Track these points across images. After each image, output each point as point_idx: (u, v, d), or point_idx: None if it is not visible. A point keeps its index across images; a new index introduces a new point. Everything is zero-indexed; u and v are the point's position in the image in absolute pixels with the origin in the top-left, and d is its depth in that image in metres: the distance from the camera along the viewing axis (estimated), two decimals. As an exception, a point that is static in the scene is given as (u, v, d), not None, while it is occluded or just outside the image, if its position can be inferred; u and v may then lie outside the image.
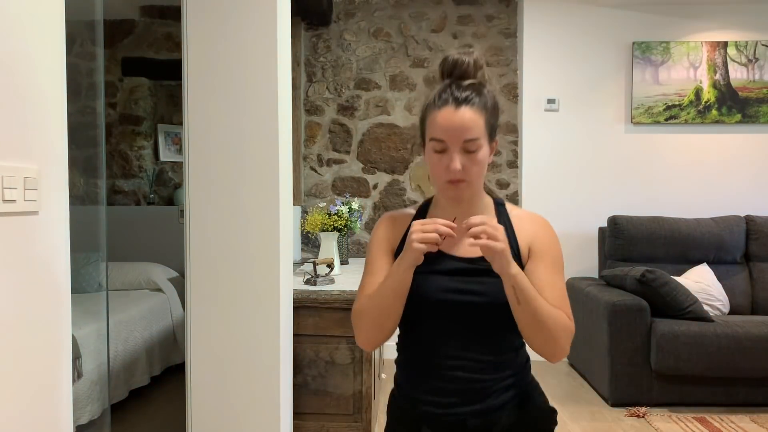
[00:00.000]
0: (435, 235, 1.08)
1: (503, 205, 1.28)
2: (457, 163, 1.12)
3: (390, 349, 4.16)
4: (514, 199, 4.24)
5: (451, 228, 1.09)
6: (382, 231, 1.27)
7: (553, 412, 1.28)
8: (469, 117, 1.13)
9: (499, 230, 1.08)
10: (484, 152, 1.16)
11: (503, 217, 1.24)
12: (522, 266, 1.19)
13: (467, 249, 1.20)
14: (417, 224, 1.10)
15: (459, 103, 1.14)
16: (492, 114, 1.19)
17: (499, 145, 4.28)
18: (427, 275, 1.18)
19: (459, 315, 1.18)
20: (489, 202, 1.27)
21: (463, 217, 1.14)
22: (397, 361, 1.30)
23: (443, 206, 1.25)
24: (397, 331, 1.27)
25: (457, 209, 1.21)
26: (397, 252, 1.24)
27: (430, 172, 1.20)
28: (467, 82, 1.18)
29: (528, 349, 1.23)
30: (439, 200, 1.28)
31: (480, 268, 1.17)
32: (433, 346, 1.20)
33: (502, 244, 1.08)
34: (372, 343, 1.21)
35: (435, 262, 1.18)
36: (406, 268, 1.13)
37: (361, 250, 4.28)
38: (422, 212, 1.29)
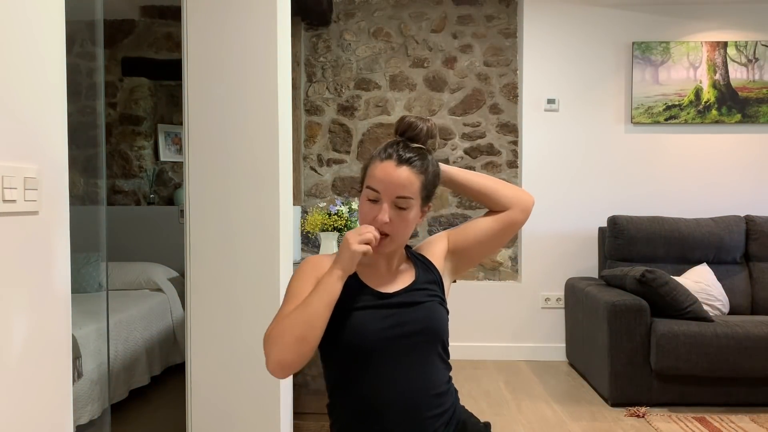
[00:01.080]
0: (371, 235, 1.18)
1: (410, 248, 1.39)
2: (386, 215, 1.20)
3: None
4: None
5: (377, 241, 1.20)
6: (309, 267, 1.27)
7: (488, 426, 1.36)
8: (406, 176, 1.20)
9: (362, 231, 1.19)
10: (414, 213, 1.23)
11: (415, 258, 1.34)
12: (441, 276, 1.34)
13: (387, 285, 1.28)
14: (350, 233, 1.19)
15: (401, 161, 1.21)
16: (430, 181, 1.26)
17: (500, 145, 4.28)
18: (359, 311, 1.22)
19: (400, 348, 1.21)
20: (404, 251, 1.36)
21: (390, 263, 1.29)
22: (332, 416, 1.30)
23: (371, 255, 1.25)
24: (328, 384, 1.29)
25: (385, 258, 1.29)
26: None
27: (359, 219, 1.26)
28: (415, 145, 1.26)
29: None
30: None
31: (406, 301, 1.25)
32: (377, 387, 1.21)
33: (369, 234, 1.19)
34: (288, 362, 1.13)
35: (361, 298, 1.24)
36: (340, 276, 1.17)
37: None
38: None
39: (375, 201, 1.21)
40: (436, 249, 1.37)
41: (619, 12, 4.14)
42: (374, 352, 1.20)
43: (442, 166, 1.33)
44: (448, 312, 1.32)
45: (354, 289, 1.24)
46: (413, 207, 1.22)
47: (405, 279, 1.30)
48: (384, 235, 1.21)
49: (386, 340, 1.21)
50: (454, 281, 1.44)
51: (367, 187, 1.23)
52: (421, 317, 1.24)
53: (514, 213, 1.36)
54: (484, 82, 4.27)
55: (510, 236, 1.39)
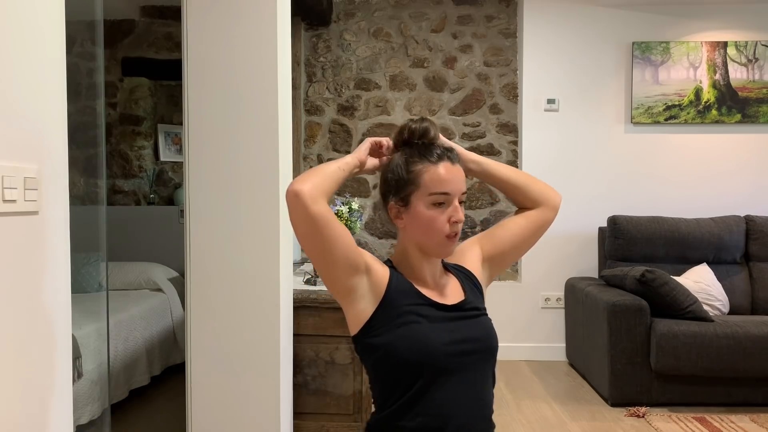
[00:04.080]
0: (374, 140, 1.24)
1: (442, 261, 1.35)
2: (462, 212, 1.19)
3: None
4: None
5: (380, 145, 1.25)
6: (370, 255, 1.24)
7: None
8: (460, 172, 1.22)
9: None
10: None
11: (455, 270, 1.30)
12: (482, 286, 1.31)
13: (442, 298, 1.22)
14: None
15: (453, 160, 1.21)
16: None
17: (500, 145, 4.28)
18: (422, 324, 1.16)
19: (462, 365, 1.17)
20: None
21: (434, 272, 1.24)
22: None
23: (416, 266, 1.23)
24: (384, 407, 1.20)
25: (432, 267, 1.24)
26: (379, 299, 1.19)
27: (419, 230, 1.19)
28: (442, 143, 1.25)
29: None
30: (410, 259, 1.24)
31: (466, 315, 1.21)
32: (439, 405, 1.15)
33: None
34: (310, 180, 1.10)
35: (422, 308, 1.18)
36: (354, 155, 1.22)
37: (361, 250, 4.28)
38: (392, 267, 1.25)
39: (441, 204, 1.18)
40: (471, 257, 1.32)
41: (619, 12, 4.14)
42: (437, 368, 1.14)
43: (475, 156, 1.31)
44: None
45: (412, 298, 1.18)
46: None
47: (455, 292, 1.24)
48: (457, 234, 1.19)
49: (451, 356, 1.15)
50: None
51: (433, 194, 1.17)
52: (482, 334, 1.21)
53: (546, 211, 1.33)
54: (484, 82, 4.27)
55: (540, 236, 1.35)
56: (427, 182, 1.18)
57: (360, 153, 1.23)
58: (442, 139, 1.26)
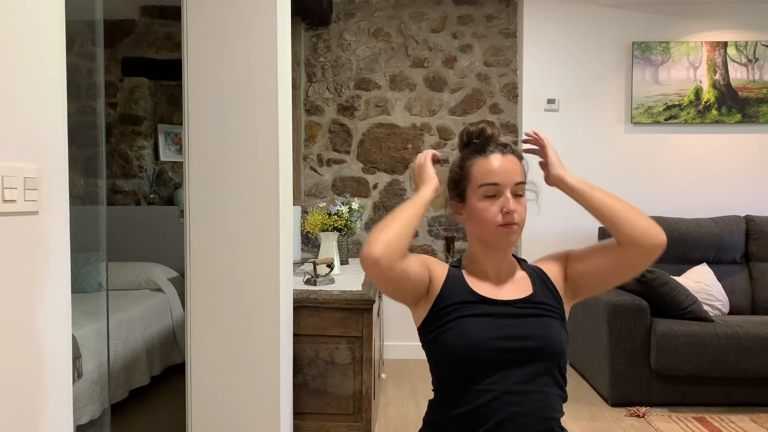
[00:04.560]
0: (428, 152, 1.28)
1: (525, 261, 1.34)
2: (513, 203, 1.19)
3: (390, 350, 4.16)
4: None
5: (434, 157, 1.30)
6: (431, 259, 1.28)
7: None
8: (514, 162, 1.23)
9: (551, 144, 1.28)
10: (525, 199, 1.24)
11: (531, 269, 1.29)
12: (559, 293, 1.27)
13: (497, 292, 1.23)
14: (417, 163, 1.30)
15: (505, 151, 1.24)
16: (526, 167, 1.28)
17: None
18: (468, 318, 1.19)
19: (514, 363, 1.16)
20: (513, 259, 1.31)
21: (499, 269, 1.25)
22: (432, 417, 1.25)
23: (480, 261, 1.26)
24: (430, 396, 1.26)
25: (495, 263, 1.25)
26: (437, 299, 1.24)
27: (474, 223, 1.23)
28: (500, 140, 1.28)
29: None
30: (474, 255, 1.28)
31: (524, 313, 1.20)
32: (486, 401, 1.16)
33: (552, 150, 1.29)
34: (388, 240, 1.13)
35: (470, 304, 1.21)
36: (427, 188, 1.24)
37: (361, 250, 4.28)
38: (457, 268, 1.29)
39: (492, 196, 1.20)
40: (554, 269, 1.30)
41: (619, 12, 4.14)
42: (482, 361, 1.16)
43: (569, 178, 1.30)
44: (568, 335, 1.24)
45: (463, 295, 1.22)
46: (524, 193, 1.24)
47: (521, 288, 1.25)
48: (513, 224, 1.19)
49: (498, 351, 1.16)
50: (574, 305, 1.32)
51: (482, 185, 1.21)
52: (540, 333, 1.18)
53: (632, 253, 1.19)
54: (484, 82, 4.27)
55: (628, 278, 1.24)
56: (477, 174, 1.22)
57: (433, 180, 1.26)
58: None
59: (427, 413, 1.27)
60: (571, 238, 4.14)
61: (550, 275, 1.28)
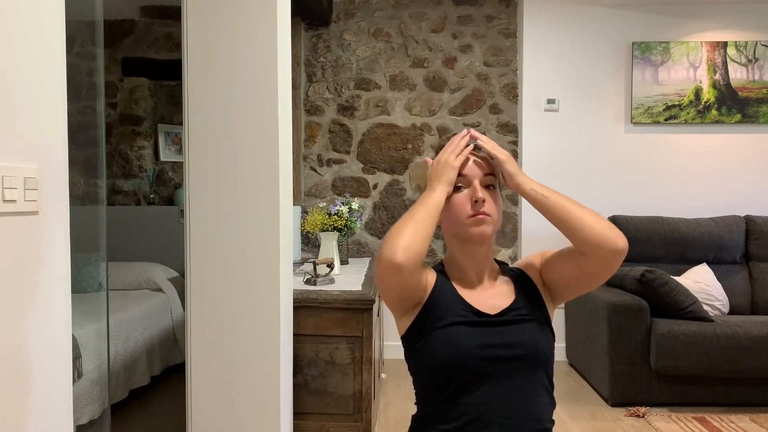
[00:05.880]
0: (463, 141, 1.20)
1: (506, 264, 1.31)
2: (482, 191, 1.16)
3: (390, 349, 4.16)
4: (514, 199, 4.24)
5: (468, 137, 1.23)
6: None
7: None
8: (483, 159, 1.21)
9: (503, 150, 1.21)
10: (498, 196, 1.20)
11: (513, 273, 1.26)
12: (545, 304, 1.23)
13: (490, 305, 1.19)
14: (441, 156, 1.20)
15: (475, 147, 1.22)
16: (497, 172, 1.23)
17: (500, 145, 4.26)
18: (456, 326, 1.15)
19: (500, 371, 1.13)
20: (495, 264, 1.28)
21: (481, 273, 1.22)
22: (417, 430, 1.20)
23: (461, 264, 1.23)
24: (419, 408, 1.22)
25: (476, 264, 1.22)
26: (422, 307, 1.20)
27: (448, 220, 1.20)
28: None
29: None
30: (455, 258, 1.25)
31: (508, 320, 1.16)
32: (473, 410, 1.12)
33: (503, 155, 1.19)
34: (410, 245, 1.08)
35: (458, 312, 1.17)
36: (442, 189, 1.16)
37: (361, 250, 4.28)
38: (440, 271, 1.26)
39: (461, 188, 1.19)
40: (534, 271, 1.26)
41: (619, 12, 4.14)
42: (470, 371, 1.12)
43: (526, 185, 1.18)
44: (554, 335, 1.21)
45: (453, 303, 1.18)
46: (497, 189, 1.21)
47: (504, 295, 1.21)
48: (484, 214, 1.16)
49: (484, 360, 1.12)
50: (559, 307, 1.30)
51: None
52: (527, 340, 1.14)
53: (590, 260, 1.13)
54: (484, 82, 4.27)
55: (592, 287, 1.19)
56: None
57: (451, 185, 1.18)
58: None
59: (410, 429, 1.22)
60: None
61: (531, 277, 1.25)
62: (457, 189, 1.18)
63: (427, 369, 1.17)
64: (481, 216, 1.16)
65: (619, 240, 1.09)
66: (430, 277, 1.22)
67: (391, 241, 1.09)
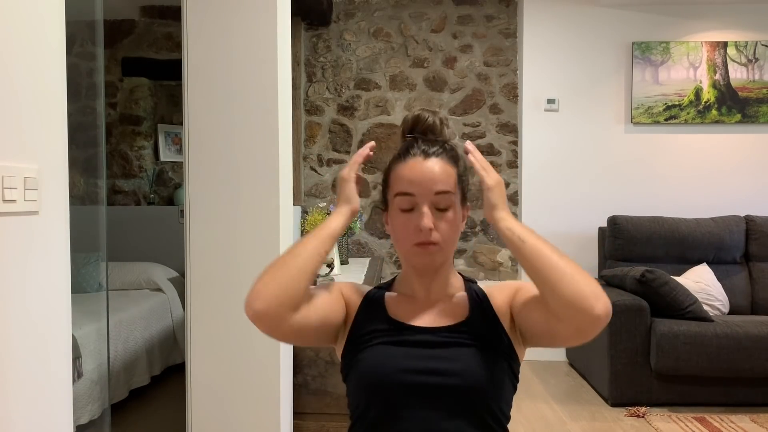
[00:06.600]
0: (358, 157, 1.08)
1: (475, 283, 1.12)
2: (429, 219, 0.98)
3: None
4: (514, 199, 4.24)
5: (372, 148, 1.08)
6: (348, 286, 1.12)
7: None
8: (440, 168, 1.01)
9: (495, 173, 1.02)
10: (456, 213, 1.02)
11: (476, 295, 1.07)
12: (505, 335, 1.04)
13: (430, 319, 1.04)
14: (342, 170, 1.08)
15: (428, 154, 1.02)
16: (463, 172, 1.05)
17: (500, 146, 4.28)
18: (377, 345, 1.01)
19: (426, 402, 0.97)
20: (459, 279, 1.11)
21: (429, 287, 1.06)
22: None
23: (409, 280, 1.09)
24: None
25: (425, 283, 1.06)
26: (352, 328, 1.08)
27: (393, 238, 1.05)
28: (433, 137, 1.07)
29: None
30: (405, 274, 1.11)
31: (444, 341, 1.00)
32: None
33: (494, 180, 1.00)
34: (259, 294, 0.93)
35: (388, 332, 1.02)
36: (337, 211, 1.04)
37: (361, 249, 4.28)
38: (386, 285, 1.14)
39: (409, 210, 1.00)
40: (502, 299, 1.07)
41: (619, 12, 4.14)
42: (389, 400, 0.98)
43: (505, 222, 1.00)
44: (515, 374, 1.03)
45: (379, 323, 1.04)
46: (454, 204, 1.02)
47: (453, 313, 1.05)
48: (431, 243, 1.00)
49: (406, 386, 0.97)
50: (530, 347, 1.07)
51: (397, 195, 1.02)
52: (460, 367, 0.97)
53: (563, 325, 0.92)
54: (484, 82, 4.27)
55: (556, 346, 1.00)
56: (393, 181, 1.05)
57: (349, 202, 1.06)
58: (451, 132, 1.09)
59: None
60: (571, 237, 4.14)
61: (493, 302, 1.06)
62: (405, 210, 1.01)
63: (351, 395, 1.06)
64: (427, 246, 1.00)
65: (598, 305, 0.88)
66: (356, 298, 1.09)
67: (253, 285, 0.94)
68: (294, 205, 3.21)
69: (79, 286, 3.40)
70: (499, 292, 1.08)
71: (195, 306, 2.04)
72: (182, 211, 2.31)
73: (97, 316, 2.79)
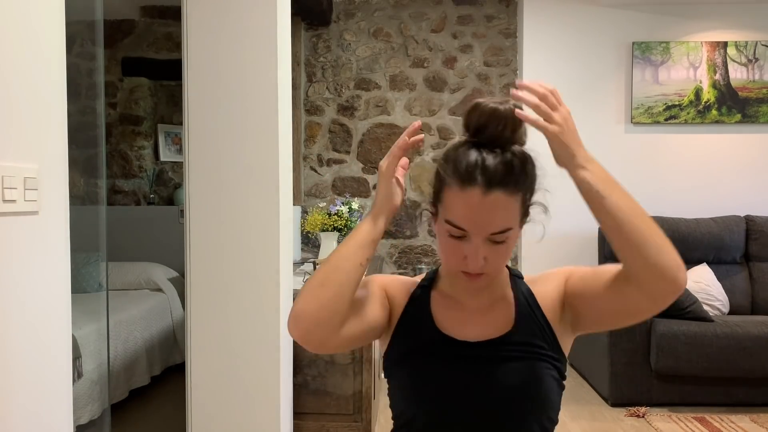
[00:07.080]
0: (396, 149, 0.96)
1: (521, 278, 1.06)
2: (480, 258, 0.90)
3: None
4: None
5: (415, 130, 0.95)
6: (392, 282, 1.07)
7: None
8: (501, 204, 0.88)
9: (561, 108, 0.87)
10: (513, 239, 0.92)
11: (523, 296, 1.01)
12: (556, 335, 0.99)
13: (478, 330, 0.98)
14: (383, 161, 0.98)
15: (491, 185, 0.87)
16: (529, 189, 0.94)
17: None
18: (422, 360, 0.97)
19: (479, 419, 0.93)
20: (505, 274, 1.05)
21: (479, 299, 1.00)
22: None
23: (453, 283, 1.02)
24: None
25: (472, 291, 1.00)
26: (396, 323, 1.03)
27: (439, 250, 0.96)
28: (499, 150, 0.92)
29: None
30: (449, 273, 1.05)
31: (494, 355, 0.95)
32: None
33: (558, 125, 0.88)
34: (306, 314, 0.88)
35: (435, 344, 0.97)
36: (373, 214, 0.97)
37: (361, 250, 4.28)
38: (428, 282, 1.06)
39: (459, 237, 0.91)
40: (550, 289, 1.01)
41: (619, 12, 4.14)
42: (435, 413, 0.93)
43: (563, 152, 0.91)
44: (562, 376, 1.00)
45: (425, 334, 0.98)
46: (512, 236, 0.91)
47: (499, 322, 0.98)
48: (478, 275, 0.93)
49: (453, 403, 0.93)
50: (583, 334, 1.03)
51: (447, 222, 0.91)
52: (514, 382, 0.92)
53: (640, 295, 0.85)
54: (484, 82, 4.27)
55: (628, 323, 0.92)
56: (447, 204, 0.91)
57: (387, 203, 0.97)
58: (522, 131, 0.96)
59: None
60: (571, 238, 4.14)
61: (542, 301, 1.00)
62: (454, 237, 0.91)
63: (396, 399, 1.01)
64: (475, 277, 0.93)
65: (683, 276, 0.83)
66: (400, 297, 1.03)
67: (294, 306, 0.89)
68: (294, 205, 3.21)
69: (79, 286, 3.40)
70: (544, 284, 1.02)
71: (195, 306, 2.04)
72: (182, 211, 2.31)
73: (97, 316, 2.79)
